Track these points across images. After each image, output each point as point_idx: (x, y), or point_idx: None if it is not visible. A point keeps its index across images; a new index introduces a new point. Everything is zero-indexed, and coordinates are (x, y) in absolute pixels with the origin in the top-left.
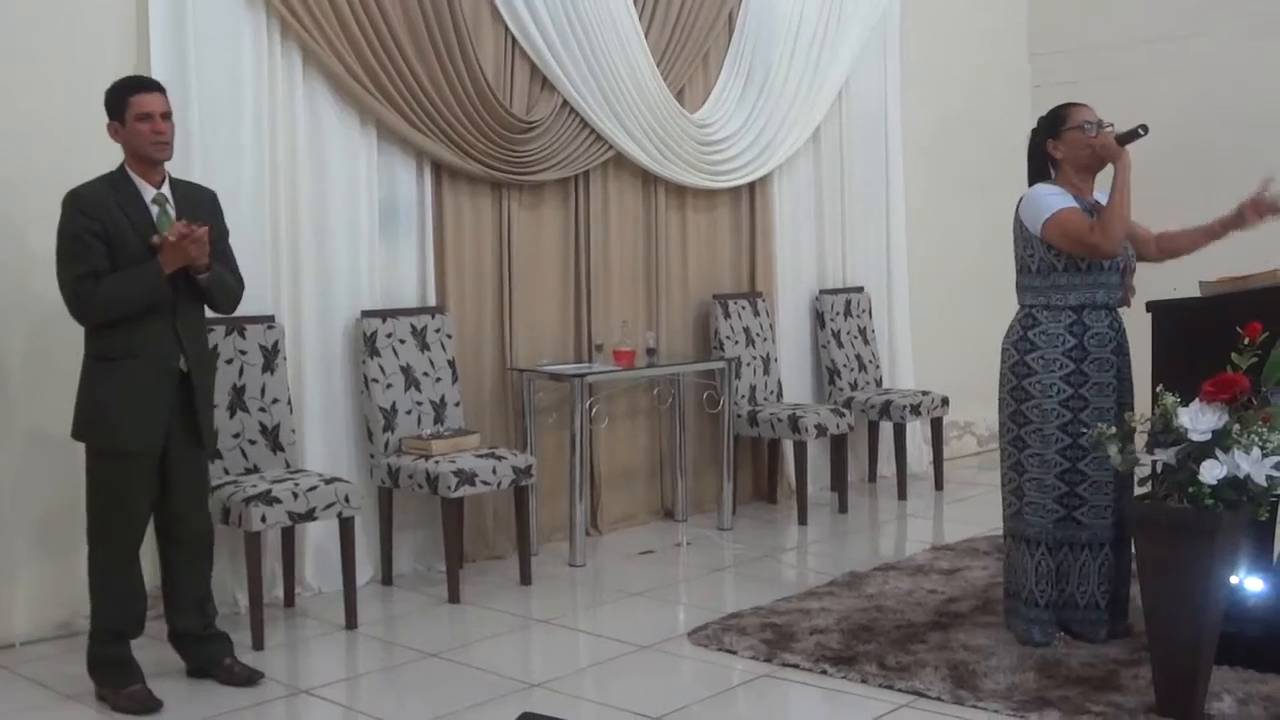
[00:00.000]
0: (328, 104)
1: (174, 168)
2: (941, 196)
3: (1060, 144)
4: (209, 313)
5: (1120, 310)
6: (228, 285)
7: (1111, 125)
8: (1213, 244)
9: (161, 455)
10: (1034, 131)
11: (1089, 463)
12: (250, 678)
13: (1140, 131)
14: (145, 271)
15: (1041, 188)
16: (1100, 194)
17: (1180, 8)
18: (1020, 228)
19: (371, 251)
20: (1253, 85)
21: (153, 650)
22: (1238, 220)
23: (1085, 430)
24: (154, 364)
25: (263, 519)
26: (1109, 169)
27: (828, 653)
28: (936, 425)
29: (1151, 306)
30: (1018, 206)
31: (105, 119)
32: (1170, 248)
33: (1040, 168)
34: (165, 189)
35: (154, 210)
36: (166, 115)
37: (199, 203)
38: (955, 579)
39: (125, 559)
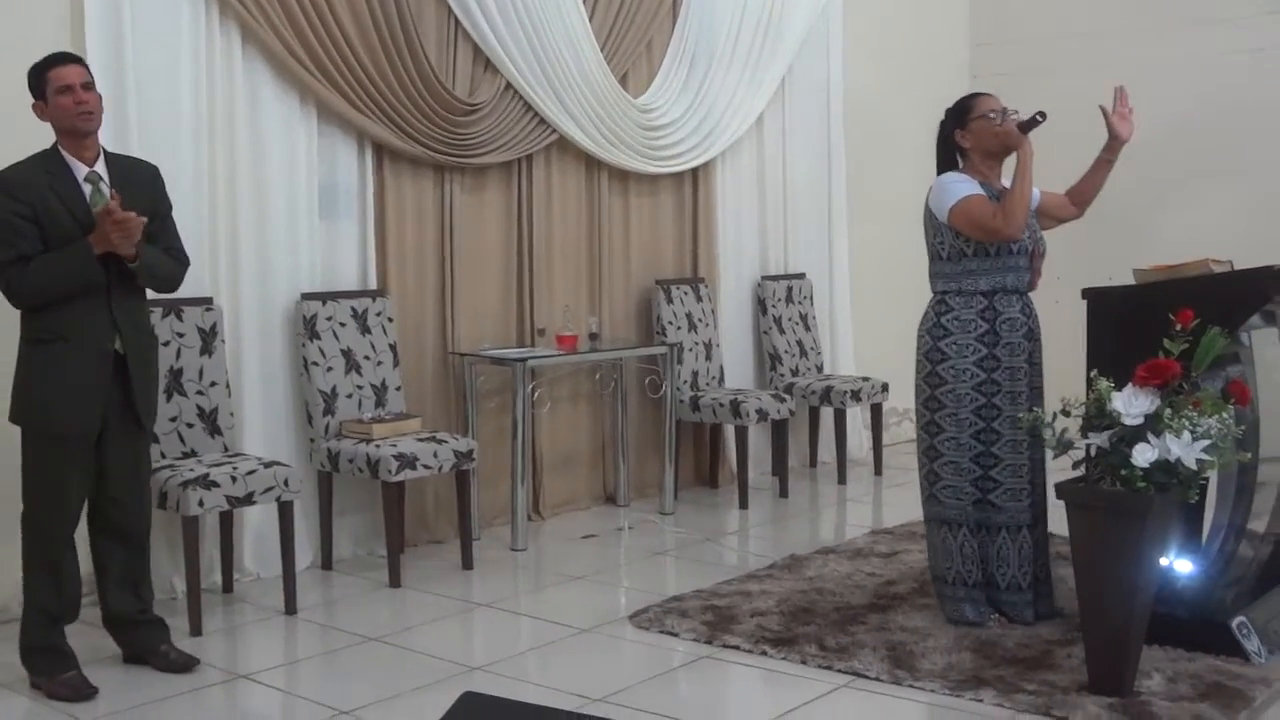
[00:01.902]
0: (267, 84)
1: (110, 146)
2: (882, 184)
3: (967, 133)
4: (150, 293)
5: (1045, 295)
6: (159, 272)
7: (1016, 112)
8: (1145, 233)
9: (98, 439)
10: (942, 123)
11: (1003, 445)
12: (186, 664)
13: (1039, 118)
14: (74, 251)
15: (948, 176)
16: (1008, 180)
17: (1121, 1)
18: (930, 216)
19: (311, 233)
20: (1192, 78)
21: (88, 637)
22: (1113, 137)
23: (999, 414)
24: (87, 346)
25: (200, 503)
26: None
27: (768, 634)
28: (876, 411)
29: (1087, 293)
30: (927, 196)
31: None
32: (1083, 197)
33: (948, 158)
34: (100, 166)
35: (87, 189)
36: (88, 85)
37: (137, 178)
38: (894, 562)
39: (60, 544)
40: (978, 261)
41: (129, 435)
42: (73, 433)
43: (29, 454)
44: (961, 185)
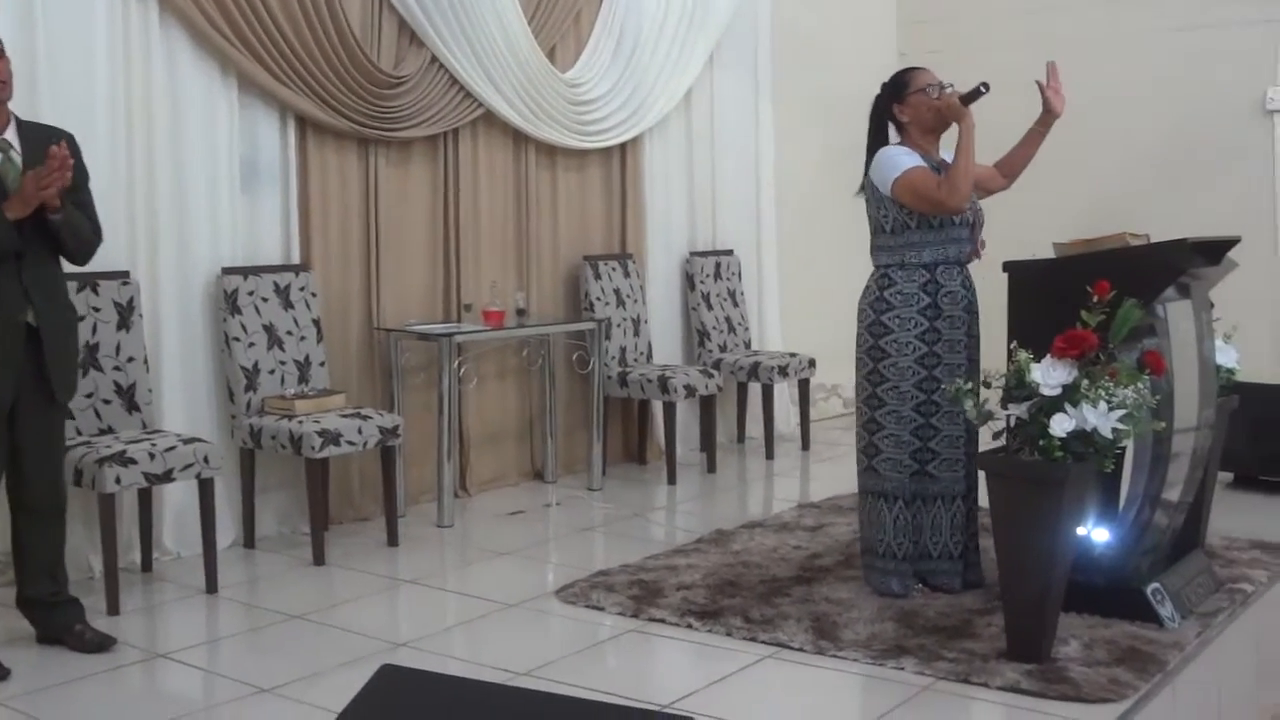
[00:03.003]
0: (186, 53)
1: (23, 117)
2: (809, 160)
3: (905, 107)
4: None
5: (971, 268)
6: (81, 231)
7: (952, 86)
8: (1067, 207)
9: (11, 415)
10: (877, 98)
11: (942, 417)
12: (101, 644)
13: (982, 90)
14: None
15: (890, 149)
16: (946, 152)
17: None
18: (872, 190)
19: (233, 207)
20: (1118, 57)
21: (1, 618)
22: (1047, 111)
23: (939, 386)
24: None
25: (117, 480)
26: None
27: (693, 607)
28: (804, 387)
29: (1008, 266)
30: (867, 169)
31: None
32: (1012, 169)
33: (881, 131)
34: (10, 134)
35: None
36: None
37: (49, 145)
38: (819, 535)
39: None
40: (920, 234)
41: (42, 411)
42: None
43: None
44: (904, 158)
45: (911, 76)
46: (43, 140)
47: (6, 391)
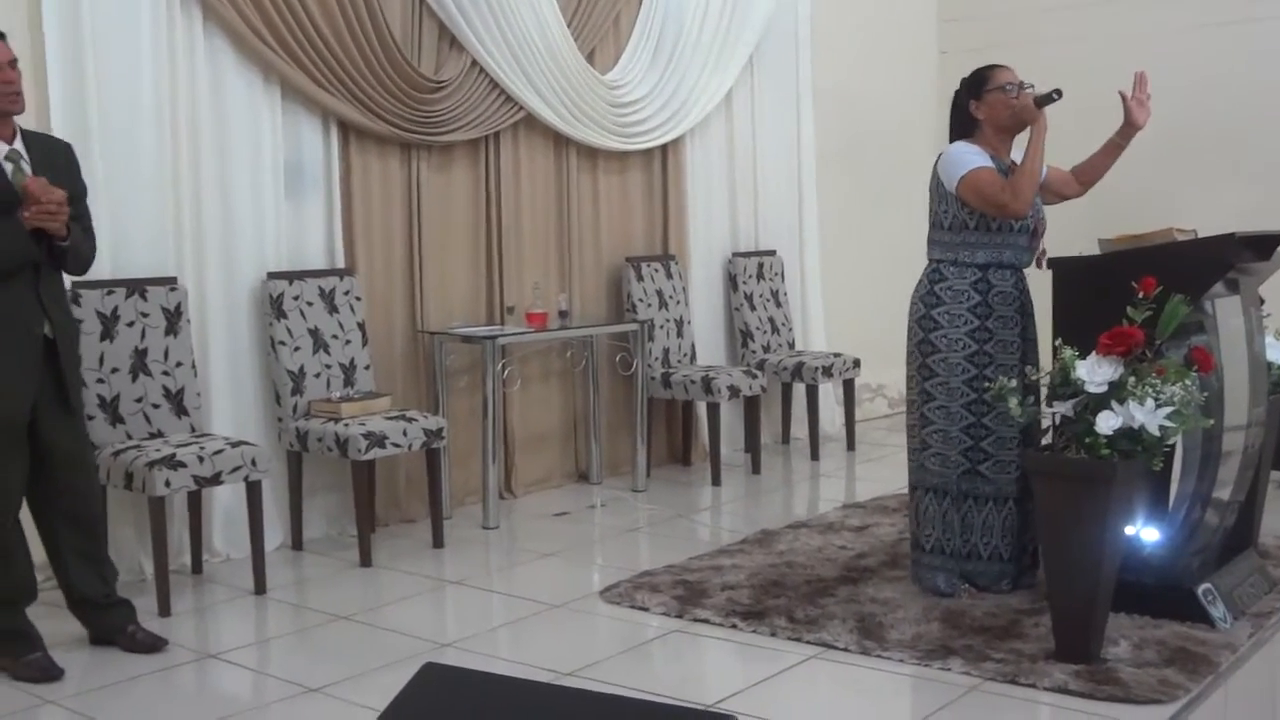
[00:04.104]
0: (229, 60)
1: (70, 126)
2: (851, 159)
3: (982, 105)
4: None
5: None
6: (82, 253)
7: (1032, 86)
8: (1114, 204)
9: (34, 426)
10: (957, 91)
11: (993, 418)
12: (154, 644)
13: (1055, 95)
14: (6, 230)
15: (960, 146)
16: (1019, 154)
17: None
18: (937, 183)
19: (277, 212)
20: (1162, 52)
21: (54, 620)
22: (1129, 123)
23: (990, 386)
24: (16, 331)
25: (167, 483)
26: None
27: (738, 607)
28: (848, 387)
29: (1052, 263)
30: (936, 162)
31: None
32: (1089, 177)
33: (961, 126)
34: (18, 144)
35: (8, 167)
36: (13, 63)
37: (55, 157)
38: (865, 535)
39: (4, 528)
40: (978, 235)
41: (64, 420)
42: (4, 421)
43: None
44: (972, 156)
45: (991, 74)
46: (45, 150)
47: (27, 403)
